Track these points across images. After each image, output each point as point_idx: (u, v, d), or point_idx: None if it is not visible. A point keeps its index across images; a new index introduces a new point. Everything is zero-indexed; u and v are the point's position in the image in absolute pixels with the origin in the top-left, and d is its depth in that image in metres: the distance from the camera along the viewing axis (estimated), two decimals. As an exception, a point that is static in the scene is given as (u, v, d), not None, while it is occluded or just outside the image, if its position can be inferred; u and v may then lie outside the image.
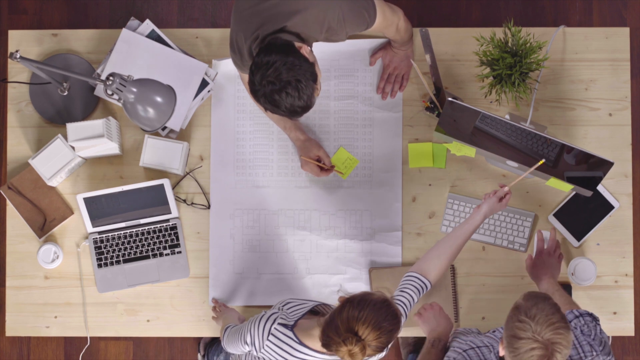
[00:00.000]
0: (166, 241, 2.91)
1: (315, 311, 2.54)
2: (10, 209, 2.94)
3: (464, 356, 2.42)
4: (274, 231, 2.92)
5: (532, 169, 2.67)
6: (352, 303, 2.25)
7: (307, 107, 2.42)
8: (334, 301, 2.89)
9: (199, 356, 3.44)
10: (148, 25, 2.95)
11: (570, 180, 2.67)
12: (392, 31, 2.73)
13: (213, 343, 3.39)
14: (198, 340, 3.46)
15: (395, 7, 2.69)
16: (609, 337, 2.45)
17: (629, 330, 2.89)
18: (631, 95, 3.51)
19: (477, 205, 2.68)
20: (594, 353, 2.38)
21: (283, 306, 2.50)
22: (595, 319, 2.48)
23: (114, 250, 2.90)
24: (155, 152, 2.88)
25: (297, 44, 2.42)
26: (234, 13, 2.54)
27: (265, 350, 2.43)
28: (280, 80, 2.36)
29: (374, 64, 2.93)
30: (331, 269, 2.91)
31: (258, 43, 2.49)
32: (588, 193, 2.69)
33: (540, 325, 2.16)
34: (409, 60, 2.89)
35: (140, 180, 2.94)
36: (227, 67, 2.95)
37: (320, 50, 2.95)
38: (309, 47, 2.50)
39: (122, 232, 2.90)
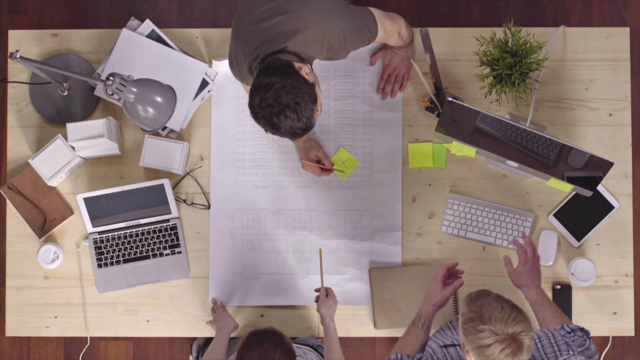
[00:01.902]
0: (166, 241, 2.91)
1: None
2: (10, 209, 2.94)
3: (444, 352, 2.42)
4: (274, 231, 2.92)
5: (321, 264, 2.82)
6: (244, 347, 2.37)
7: (307, 129, 2.43)
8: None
9: (191, 357, 3.44)
10: (148, 25, 2.95)
11: (570, 180, 2.67)
12: (394, 40, 2.73)
13: (208, 343, 3.39)
14: (191, 340, 3.46)
15: (394, 16, 2.68)
16: (596, 352, 2.46)
17: (629, 330, 2.89)
18: (631, 95, 3.51)
19: (320, 322, 2.82)
20: (570, 352, 2.37)
21: None
22: (586, 333, 2.47)
23: (114, 250, 2.90)
24: (155, 152, 2.88)
25: (297, 65, 2.42)
26: (233, 30, 2.54)
27: None
28: (279, 103, 2.37)
29: (374, 64, 2.93)
30: (331, 269, 2.91)
31: (258, 63, 2.49)
32: (588, 193, 2.69)
33: (498, 324, 2.18)
34: (409, 61, 2.89)
35: (140, 180, 2.94)
36: (227, 67, 2.95)
37: (320, 50, 2.95)
38: (309, 67, 2.50)
39: (122, 232, 2.90)
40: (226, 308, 2.89)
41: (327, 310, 2.74)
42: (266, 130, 2.45)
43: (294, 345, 2.68)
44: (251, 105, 2.42)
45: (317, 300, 2.78)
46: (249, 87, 2.72)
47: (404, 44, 2.80)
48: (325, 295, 2.78)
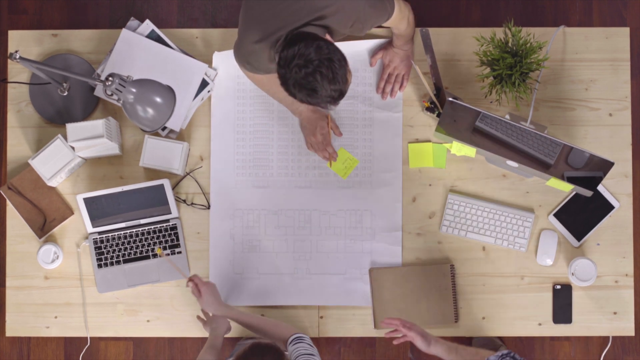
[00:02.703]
0: (166, 241, 2.91)
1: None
2: (10, 209, 2.94)
3: None
4: (274, 231, 2.92)
5: (169, 261, 2.76)
6: (244, 357, 2.28)
7: (343, 92, 2.31)
8: (335, 302, 2.89)
9: None
10: (148, 26, 2.95)
11: (570, 180, 2.67)
12: (404, 24, 2.71)
13: None
14: (198, 340, 3.46)
15: (404, 1, 2.68)
16: None
17: (629, 330, 2.89)
18: (631, 95, 3.51)
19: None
20: None
21: None
22: (504, 355, 2.42)
23: (114, 250, 2.90)
24: (155, 152, 2.88)
25: (320, 35, 2.36)
26: (247, 18, 2.48)
27: None
28: (311, 61, 2.26)
29: (374, 64, 2.93)
30: (331, 269, 2.91)
31: (281, 43, 2.41)
32: (588, 193, 2.69)
33: None
34: (409, 61, 2.89)
35: (140, 180, 2.94)
36: (228, 61, 2.94)
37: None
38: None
39: (122, 232, 2.90)
40: (205, 284, 2.87)
41: (209, 307, 2.64)
42: (302, 100, 2.32)
43: None
44: (282, 78, 2.31)
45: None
46: (261, 77, 2.71)
47: (410, 33, 2.78)
48: (198, 292, 2.65)
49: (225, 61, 2.94)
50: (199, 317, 2.81)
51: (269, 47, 2.46)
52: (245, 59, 2.56)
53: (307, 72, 2.27)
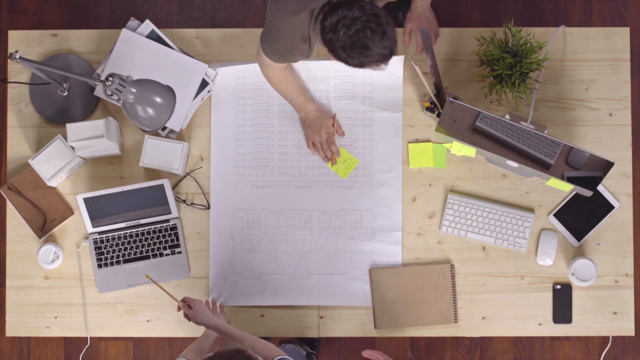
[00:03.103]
0: (166, 241, 2.91)
1: None
2: (10, 209, 2.94)
3: None
4: (274, 231, 2.92)
5: (158, 285, 2.68)
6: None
7: (393, 50, 2.24)
8: (335, 302, 2.89)
9: None
10: (148, 26, 2.95)
11: (570, 180, 2.67)
12: None
13: None
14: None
15: None
16: None
17: (629, 330, 2.89)
18: (631, 95, 3.52)
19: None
20: None
21: None
22: None
23: (114, 250, 2.90)
24: (155, 152, 2.88)
25: None
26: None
27: None
28: (358, 18, 2.19)
29: (408, 41, 2.89)
30: (331, 269, 2.91)
31: (315, 16, 2.34)
32: (588, 193, 2.70)
33: None
34: (432, 15, 2.81)
35: (140, 180, 2.94)
36: (225, 70, 2.95)
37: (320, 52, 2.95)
38: None
39: (122, 232, 2.91)
40: (224, 308, 2.89)
41: (201, 317, 2.61)
42: (355, 64, 2.24)
43: None
44: (330, 44, 2.24)
45: (186, 316, 2.65)
46: (280, 75, 2.71)
47: None
48: (189, 307, 2.64)
49: (223, 69, 2.94)
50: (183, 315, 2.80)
51: (306, 18, 2.39)
52: (275, 41, 2.50)
53: (357, 29, 2.20)
